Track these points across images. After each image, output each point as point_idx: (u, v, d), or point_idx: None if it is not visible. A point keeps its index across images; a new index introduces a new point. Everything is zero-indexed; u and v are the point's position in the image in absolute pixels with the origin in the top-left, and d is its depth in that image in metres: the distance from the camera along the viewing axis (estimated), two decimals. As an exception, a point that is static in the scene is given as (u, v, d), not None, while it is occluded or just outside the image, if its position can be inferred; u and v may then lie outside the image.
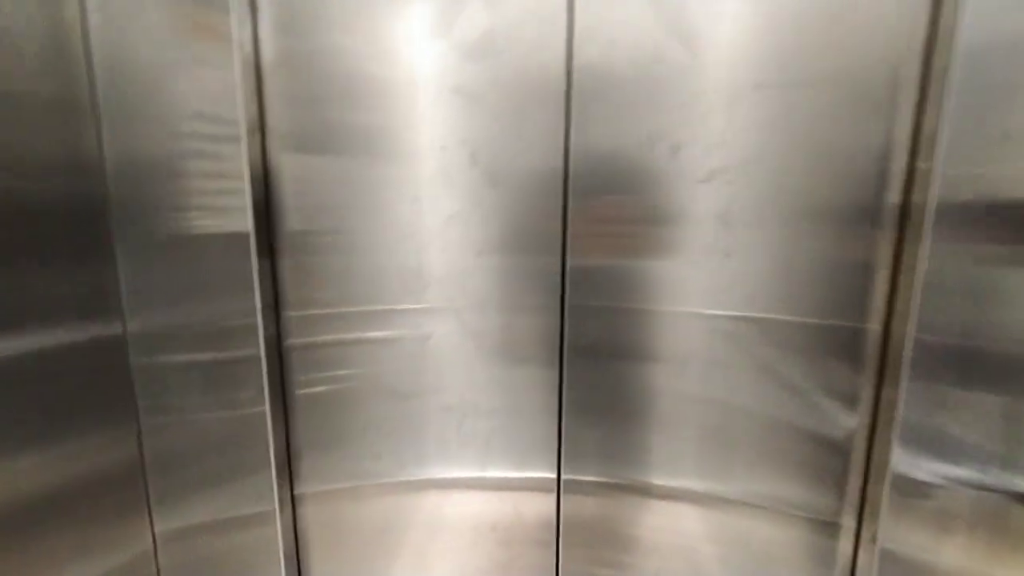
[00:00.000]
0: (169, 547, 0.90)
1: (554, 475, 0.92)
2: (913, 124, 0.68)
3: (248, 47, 0.78)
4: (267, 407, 0.85)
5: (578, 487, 0.92)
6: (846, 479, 0.79)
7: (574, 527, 0.94)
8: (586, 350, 0.87)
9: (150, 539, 0.91)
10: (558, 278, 0.85)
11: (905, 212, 0.70)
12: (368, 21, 0.79)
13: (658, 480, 0.90)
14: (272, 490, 0.88)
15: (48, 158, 0.72)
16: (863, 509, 0.76)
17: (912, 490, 0.69)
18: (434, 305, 0.89)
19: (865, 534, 0.77)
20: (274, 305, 0.87)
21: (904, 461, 0.68)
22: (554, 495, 0.93)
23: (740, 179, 0.76)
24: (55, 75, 0.72)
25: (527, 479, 0.94)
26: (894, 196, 0.71)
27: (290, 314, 0.88)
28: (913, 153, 0.68)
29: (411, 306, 0.89)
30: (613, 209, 0.81)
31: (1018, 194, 0.62)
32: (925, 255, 0.64)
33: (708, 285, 0.81)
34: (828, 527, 0.82)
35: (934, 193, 0.63)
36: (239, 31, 0.75)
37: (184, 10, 0.75)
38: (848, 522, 0.79)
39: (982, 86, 0.62)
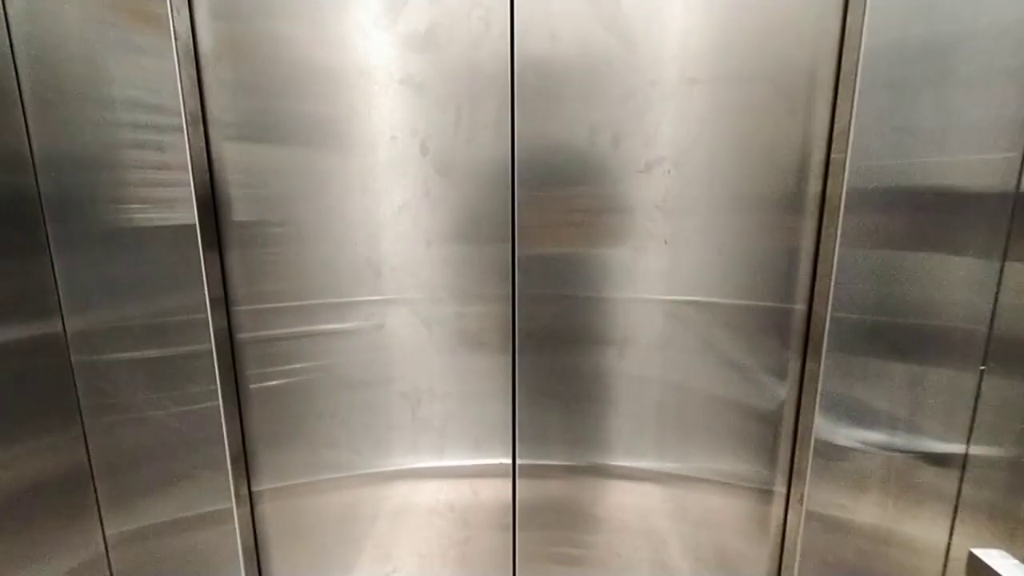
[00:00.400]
0: (121, 549, 0.89)
1: (509, 460, 0.96)
2: (829, 119, 0.75)
3: (186, 34, 0.77)
4: (220, 402, 0.85)
5: (533, 471, 0.96)
6: (778, 449, 0.86)
7: (530, 510, 0.98)
8: (538, 336, 0.90)
9: (101, 542, 0.89)
10: (508, 266, 0.87)
11: (823, 200, 0.77)
12: (312, 9, 0.79)
13: (609, 460, 0.95)
14: (228, 487, 0.88)
15: None
16: (791, 475, 0.83)
17: (833, 454, 0.77)
18: (386, 295, 0.90)
19: (793, 497, 0.84)
20: (224, 298, 0.86)
21: (825, 428, 0.75)
22: (510, 479, 0.97)
23: (676, 170, 0.81)
24: None
25: (483, 465, 0.97)
26: (814, 185, 0.78)
27: (240, 308, 0.88)
28: (828, 145, 0.75)
29: (363, 297, 0.90)
30: (559, 198, 0.84)
31: (917, 183, 0.70)
32: (838, 239, 0.71)
33: (649, 270, 0.86)
34: (763, 494, 0.89)
35: (845, 182, 0.70)
36: (176, 17, 0.74)
37: (115, -3, 0.73)
38: (780, 488, 0.86)
39: (885, 84, 0.69)
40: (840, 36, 0.73)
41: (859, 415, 0.76)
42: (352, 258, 0.88)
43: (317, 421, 0.94)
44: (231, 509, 0.89)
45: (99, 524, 0.89)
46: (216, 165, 0.82)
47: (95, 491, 0.87)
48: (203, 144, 0.81)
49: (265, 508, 0.96)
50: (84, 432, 0.85)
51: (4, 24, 0.72)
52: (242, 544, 0.92)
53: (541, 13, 0.78)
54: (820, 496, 0.80)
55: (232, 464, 0.89)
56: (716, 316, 0.85)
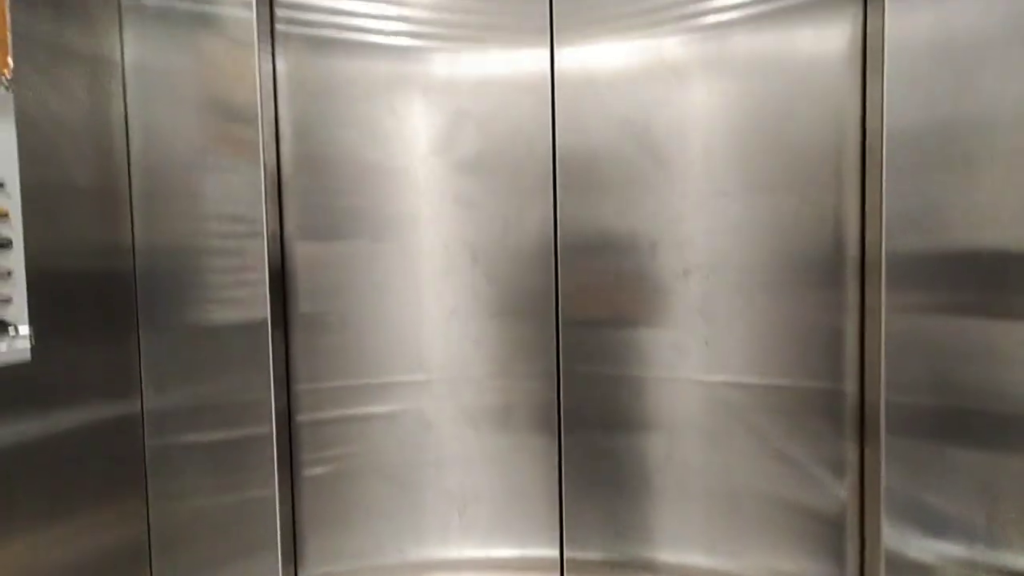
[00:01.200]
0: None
1: (557, 553, 0.94)
2: (859, 208, 0.79)
3: (272, 157, 0.90)
4: (276, 489, 0.90)
5: (582, 566, 0.94)
6: (844, 551, 0.81)
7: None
8: (583, 434, 0.92)
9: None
10: (554, 370, 0.92)
11: (863, 282, 0.79)
12: (379, 138, 0.92)
13: (661, 556, 0.91)
14: (278, 573, 0.91)
15: (87, 242, 0.82)
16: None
17: (906, 569, 0.71)
18: (436, 393, 0.95)
19: None
20: (286, 385, 0.94)
21: (894, 537, 0.71)
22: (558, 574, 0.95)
23: (713, 276, 0.86)
24: (100, 168, 0.84)
25: (529, 558, 0.96)
26: (851, 271, 0.81)
27: (301, 388, 0.94)
28: (862, 228, 0.79)
29: (414, 393, 0.95)
30: (602, 307, 0.90)
31: (959, 249, 0.72)
32: (883, 316, 0.72)
33: (692, 365, 0.88)
34: None
35: (884, 262, 0.72)
36: (265, 143, 0.88)
37: (216, 122, 0.88)
38: None
39: (909, 166, 0.73)
40: (862, 130, 0.79)
41: (931, 522, 0.71)
42: (406, 354, 0.95)
43: (365, 511, 0.97)
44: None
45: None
46: (288, 264, 0.93)
47: (151, 569, 0.92)
48: (279, 248, 0.92)
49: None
50: (148, 511, 0.91)
51: (125, 140, 0.88)
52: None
53: (579, 137, 0.88)
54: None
55: (282, 550, 0.92)
56: (765, 402, 0.85)
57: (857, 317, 0.81)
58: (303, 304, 0.94)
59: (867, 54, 0.80)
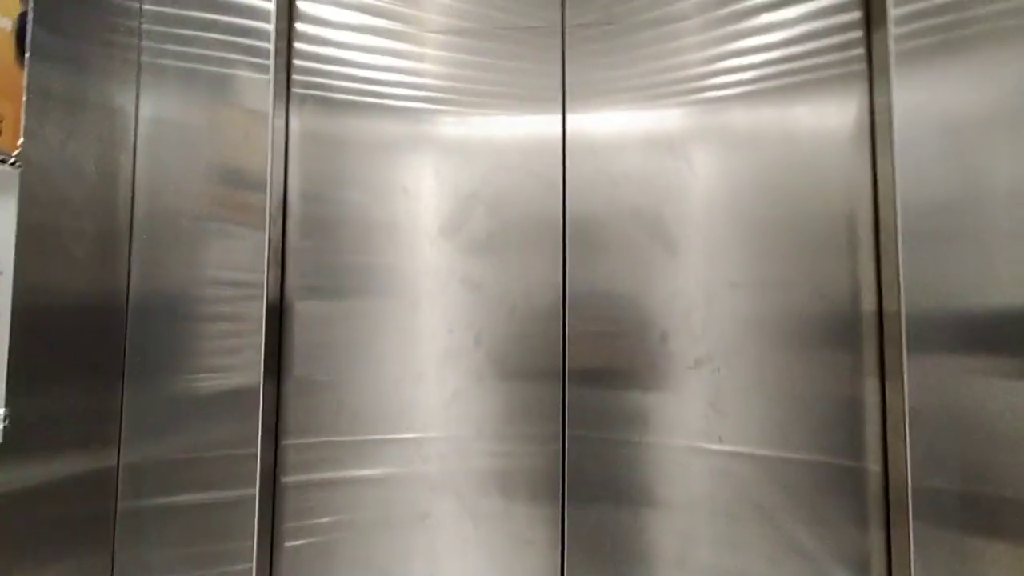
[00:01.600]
0: None
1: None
2: (875, 276, 0.80)
3: (278, 222, 0.90)
4: (254, 564, 0.83)
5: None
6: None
7: None
8: (589, 536, 0.87)
9: None
10: (559, 458, 0.87)
11: (882, 354, 0.78)
12: (388, 213, 0.92)
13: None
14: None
15: (84, 286, 0.80)
16: None
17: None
18: (435, 484, 0.90)
19: None
20: (274, 438, 0.89)
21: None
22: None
23: (725, 368, 0.85)
24: (104, 214, 0.83)
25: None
26: (870, 344, 0.80)
27: (288, 443, 0.89)
28: (879, 300, 0.79)
29: (415, 484, 0.90)
30: (609, 396, 0.87)
31: (975, 311, 0.72)
32: (906, 387, 0.71)
33: (706, 466, 0.85)
34: None
35: (904, 327, 0.72)
36: (272, 208, 0.87)
37: (224, 186, 0.87)
38: None
39: (925, 238, 0.75)
40: (873, 204, 0.81)
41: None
42: (405, 440, 0.90)
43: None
44: None
45: None
46: (286, 323, 0.91)
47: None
48: (278, 309, 0.90)
49: None
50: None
51: (130, 205, 0.87)
52: None
53: (592, 223, 0.88)
54: None
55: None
56: (778, 478, 0.82)
57: (878, 392, 0.80)
58: (298, 366, 0.91)
59: (875, 130, 0.82)
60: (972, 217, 0.74)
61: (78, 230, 0.79)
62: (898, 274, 0.74)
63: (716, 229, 0.86)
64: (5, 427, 0.66)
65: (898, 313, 0.74)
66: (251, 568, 0.82)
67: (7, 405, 0.67)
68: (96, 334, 0.82)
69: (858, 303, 0.83)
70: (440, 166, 0.93)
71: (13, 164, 0.68)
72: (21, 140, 0.69)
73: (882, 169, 0.80)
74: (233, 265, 0.86)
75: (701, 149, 0.88)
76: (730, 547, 0.83)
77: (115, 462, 0.84)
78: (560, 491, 0.87)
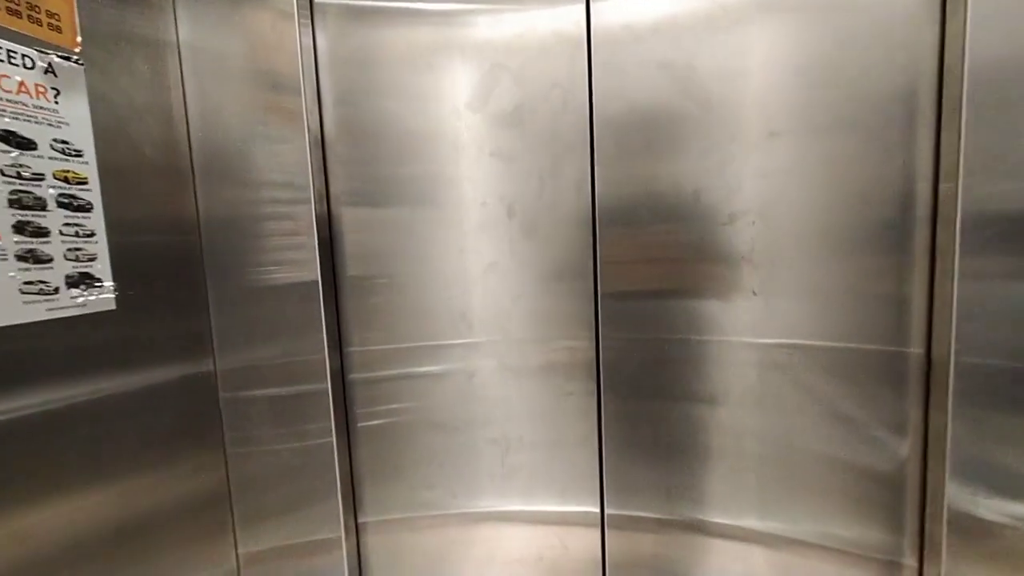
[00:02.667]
0: (250, 569, 1.07)
1: (597, 509, 0.99)
2: (933, 151, 0.74)
3: (315, 124, 0.97)
4: (333, 438, 1.01)
5: (623, 522, 0.98)
6: (904, 516, 0.79)
7: (621, 564, 1.00)
8: (624, 382, 0.95)
9: (234, 560, 1.08)
10: (592, 316, 0.95)
11: (934, 233, 0.74)
12: (415, 94, 0.97)
13: (708, 516, 0.94)
14: (339, 518, 1.02)
15: (159, 218, 0.93)
16: (923, 548, 0.76)
17: (974, 529, 0.69)
18: (477, 344, 1.01)
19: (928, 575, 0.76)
20: (338, 343, 1.03)
21: (961, 497, 0.69)
22: (598, 529, 1.00)
23: (761, 221, 0.84)
24: (166, 149, 0.93)
25: (571, 513, 1.01)
26: (921, 220, 0.76)
27: (352, 350, 1.04)
28: (935, 176, 0.73)
29: (457, 343, 1.02)
30: (641, 252, 0.90)
31: None
32: (956, 273, 0.68)
33: (740, 316, 0.88)
34: (888, 566, 0.81)
35: (960, 213, 0.68)
36: (308, 112, 0.95)
37: (263, 94, 0.95)
38: (909, 561, 0.78)
39: (995, 106, 0.67)
40: (939, 62, 0.72)
41: (1005, 483, 0.68)
42: (447, 309, 1.01)
43: (415, 460, 1.06)
44: (340, 538, 1.03)
45: (234, 543, 1.07)
46: (335, 228, 1.01)
47: (232, 513, 1.07)
48: (326, 212, 1.00)
49: (369, 540, 1.09)
50: (226, 459, 1.05)
51: (185, 120, 0.97)
52: (348, 571, 1.04)
53: (617, 85, 0.88)
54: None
55: (342, 496, 1.03)
56: (818, 361, 0.83)
57: (927, 270, 0.77)
58: (351, 267, 1.02)
59: None
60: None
61: (145, 162, 0.90)
62: (959, 146, 0.68)
63: (753, 78, 0.83)
64: (117, 296, 0.82)
65: (955, 191, 0.69)
66: (331, 441, 1.00)
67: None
68: (177, 261, 0.95)
69: (912, 172, 0.78)
70: (466, 62, 0.94)
71: (76, 61, 0.77)
72: (79, 38, 0.77)
73: (951, 25, 0.72)
74: (281, 168, 0.95)
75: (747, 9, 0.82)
76: (766, 419, 0.89)
77: (212, 368, 1.02)
78: (595, 347, 0.94)
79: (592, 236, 0.93)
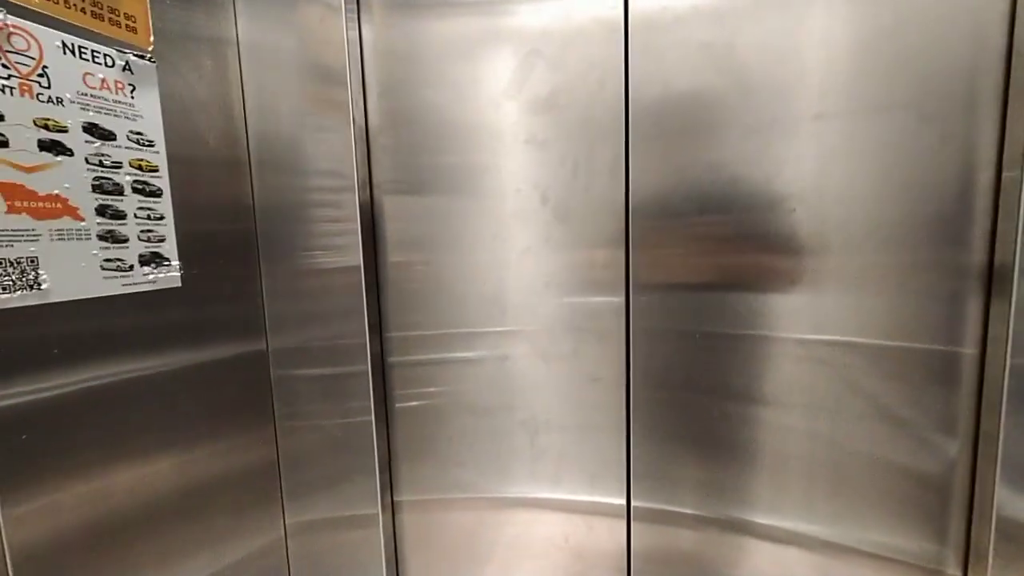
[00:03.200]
0: (295, 539, 1.16)
1: (623, 500, 1.01)
2: (998, 134, 0.69)
3: (360, 116, 1.03)
4: (372, 418, 1.07)
5: (650, 515, 1.00)
6: (950, 522, 0.76)
7: (648, 559, 1.01)
8: (655, 373, 0.96)
9: (282, 529, 1.17)
10: (623, 305, 0.97)
11: (995, 226, 0.70)
12: (453, 84, 1.01)
13: (741, 514, 0.94)
14: (376, 495, 1.09)
15: (221, 206, 1.01)
16: (968, 555, 0.73)
17: (1023, 537, 0.67)
18: (510, 329, 1.05)
19: None
20: (379, 326, 1.10)
21: (1011, 503, 0.66)
22: (624, 520, 1.02)
23: (802, 207, 0.83)
24: (226, 140, 1.02)
25: (597, 503, 1.04)
26: (981, 212, 0.73)
27: (392, 335, 1.10)
28: (999, 164, 0.69)
29: (491, 329, 1.06)
30: (674, 240, 0.91)
31: None
32: (1016, 270, 0.64)
33: (778, 312, 0.87)
34: (932, 574, 0.79)
35: (1022, 203, 0.64)
36: (354, 103, 1.01)
37: (312, 87, 1.02)
38: (954, 571, 0.76)
39: None
40: (1008, 39, 0.69)
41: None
42: (482, 294, 1.06)
43: (448, 442, 1.11)
44: (377, 515, 1.10)
45: (281, 513, 1.17)
46: (378, 216, 1.07)
47: (280, 485, 1.16)
48: (368, 200, 1.06)
49: (404, 518, 1.16)
50: (276, 434, 1.14)
51: (243, 113, 1.05)
52: (384, 548, 1.11)
53: (654, 68, 0.88)
54: (1010, 588, 0.69)
55: (380, 474, 1.10)
56: (861, 358, 0.81)
57: (985, 265, 0.74)
58: (392, 253, 1.08)
59: None
60: None
61: (210, 155, 0.98)
62: None
63: (796, 59, 0.81)
64: (182, 275, 0.92)
65: (1020, 180, 0.66)
66: (371, 421, 1.06)
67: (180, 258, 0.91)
68: (235, 245, 1.04)
69: (972, 160, 0.75)
70: (505, 50, 0.97)
71: (150, 59, 0.85)
72: (152, 38, 0.85)
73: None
74: (328, 157, 1.01)
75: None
76: (806, 416, 0.88)
77: (265, 347, 1.10)
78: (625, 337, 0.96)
79: (625, 224, 0.94)
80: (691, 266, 0.91)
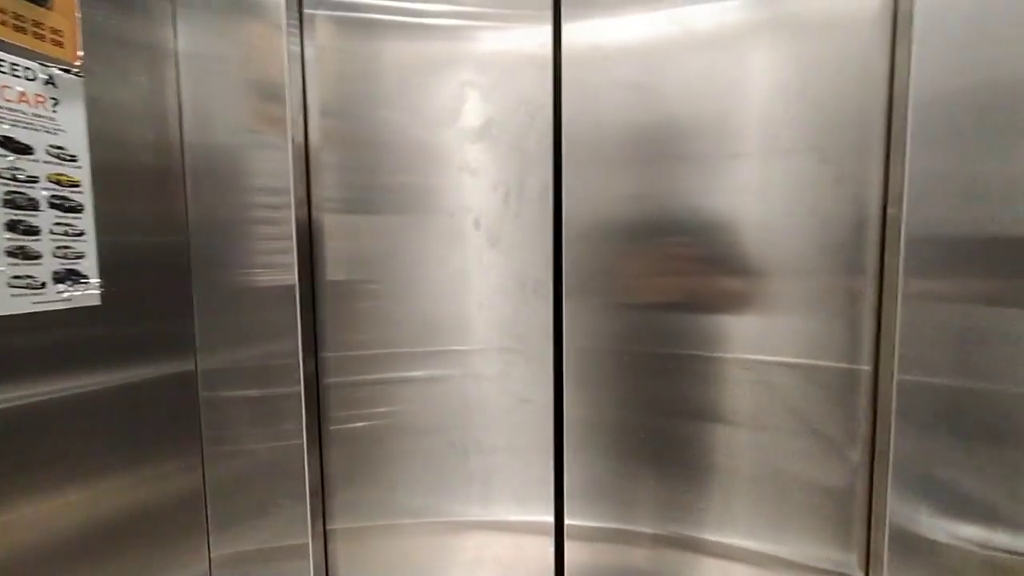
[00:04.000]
0: (221, 572, 1.12)
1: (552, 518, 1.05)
2: (883, 175, 0.80)
3: (299, 132, 1.05)
4: (304, 441, 1.07)
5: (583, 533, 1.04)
6: (852, 529, 0.84)
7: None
8: (586, 390, 1.01)
9: (207, 562, 1.13)
10: (550, 325, 1.03)
11: (882, 256, 0.80)
12: (392, 111, 1.05)
13: (668, 528, 0.99)
14: (307, 523, 1.08)
15: (151, 219, 1.00)
16: (868, 561, 0.80)
17: (915, 546, 0.74)
18: (445, 349, 1.08)
19: None
20: (314, 347, 1.10)
21: (902, 514, 0.73)
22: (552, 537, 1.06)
23: (721, 239, 0.91)
24: (160, 153, 1.01)
25: (528, 523, 1.07)
26: (871, 244, 0.83)
27: (327, 355, 1.11)
28: (884, 201, 0.79)
29: (427, 349, 1.09)
30: (602, 263, 0.98)
31: (985, 235, 0.71)
32: (899, 294, 0.74)
33: (700, 331, 0.95)
34: None
35: (902, 235, 0.74)
36: (293, 120, 1.02)
37: (252, 103, 1.03)
38: (858, 573, 0.83)
39: (937, 136, 0.74)
40: (888, 95, 0.80)
41: (946, 503, 0.73)
42: (418, 315, 1.09)
43: (382, 466, 1.12)
44: (307, 544, 1.08)
45: (207, 545, 1.13)
46: (316, 234, 1.08)
47: (207, 514, 1.13)
48: (307, 218, 1.07)
49: (338, 546, 1.14)
50: (203, 459, 1.11)
51: (179, 125, 1.04)
52: (315, 580, 1.09)
53: (584, 103, 0.96)
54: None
55: (311, 500, 1.08)
56: (775, 376, 0.89)
57: (876, 291, 0.84)
58: (330, 273, 1.09)
59: (898, 14, 0.80)
60: (996, 116, 0.73)
61: (138, 166, 0.98)
62: (904, 173, 0.75)
63: (716, 101, 0.90)
64: (103, 292, 0.89)
65: (899, 217, 0.76)
66: (302, 444, 1.05)
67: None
68: (165, 261, 1.02)
69: (864, 198, 0.85)
70: (438, 78, 1.03)
71: (76, 74, 0.85)
72: (80, 52, 0.85)
73: (899, 54, 0.79)
74: (266, 174, 1.03)
75: (718, 35, 0.90)
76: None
77: (194, 367, 1.08)
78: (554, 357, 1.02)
79: (555, 249, 1.00)
80: (621, 288, 0.98)
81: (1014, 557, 0.71)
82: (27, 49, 0.78)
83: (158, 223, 1.01)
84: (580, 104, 0.97)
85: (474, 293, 1.07)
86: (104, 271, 0.89)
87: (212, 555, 1.11)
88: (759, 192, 0.89)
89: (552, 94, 0.98)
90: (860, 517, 0.84)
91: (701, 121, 0.91)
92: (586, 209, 0.98)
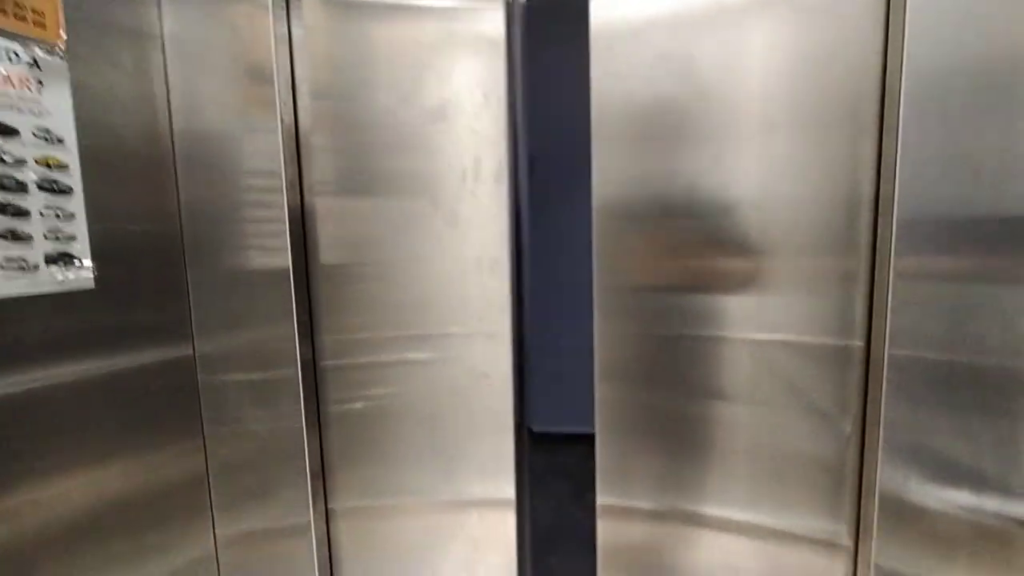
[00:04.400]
0: (227, 551, 1.15)
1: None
2: (875, 153, 0.80)
3: (289, 114, 1.05)
4: (303, 423, 1.08)
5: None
6: (844, 500, 0.86)
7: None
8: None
9: (212, 541, 1.16)
10: (509, 302, 1.06)
11: (875, 232, 0.81)
12: (367, 93, 1.06)
13: (675, 504, 1.01)
14: (308, 502, 1.10)
15: (143, 204, 1.00)
16: (858, 529, 0.82)
17: (904, 512, 0.76)
18: (440, 331, 1.10)
19: (862, 556, 0.83)
20: (310, 330, 1.11)
21: (892, 481, 0.75)
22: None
23: (718, 217, 0.92)
24: (148, 137, 1.01)
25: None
26: (864, 221, 0.84)
27: (324, 338, 1.12)
28: (877, 179, 0.80)
29: (416, 333, 1.12)
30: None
31: (978, 212, 0.71)
32: (891, 270, 0.74)
33: (710, 309, 0.96)
34: (829, 547, 0.88)
35: (895, 214, 0.74)
36: (282, 102, 1.03)
37: (241, 86, 1.03)
38: (847, 542, 0.85)
39: (931, 113, 0.74)
40: (882, 71, 0.79)
41: (935, 469, 0.74)
42: (408, 298, 1.11)
43: (383, 446, 1.14)
44: (309, 523, 1.11)
45: (211, 524, 1.16)
46: (309, 217, 1.09)
47: (210, 495, 1.15)
48: (299, 201, 1.08)
49: (340, 524, 1.17)
50: (204, 442, 1.13)
51: (167, 110, 1.03)
52: (317, 557, 1.12)
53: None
54: (893, 558, 0.78)
55: (311, 480, 1.11)
56: (773, 352, 0.91)
57: (868, 267, 0.84)
58: (324, 255, 1.10)
59: None
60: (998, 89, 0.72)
61: (134, 154, 0.98)
62: (896, 152, 0.75)
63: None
64: (97, 276, 0.90)
65: (891, 193, 0.76)
66: (301, 426, 1.07)
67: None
68: (158, 246, 1.03)
69: (857, 176, 0.85)
70: (420, 59, 1.03)
71: (59, 56, 0.84)
72: (63, 33, 0.85)
73: (892, 28, 0.78)
74: (257, 156, 1.03)
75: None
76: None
77: (191, 352, 1.10)
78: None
79: (515, 231, 1.03)
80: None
81: (1001, 522, 0.73)
82: (9, 31, 0.78)
83: (149, 208, 1.01)
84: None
85: (436, 273, 1.09)
86: (98, 258, 0.90)
87: (217, 534, 1.13)
88: (767, 169, 0.89)
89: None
90: (853, 488, 0.86)
91: (712, 101, 0.91)
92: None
